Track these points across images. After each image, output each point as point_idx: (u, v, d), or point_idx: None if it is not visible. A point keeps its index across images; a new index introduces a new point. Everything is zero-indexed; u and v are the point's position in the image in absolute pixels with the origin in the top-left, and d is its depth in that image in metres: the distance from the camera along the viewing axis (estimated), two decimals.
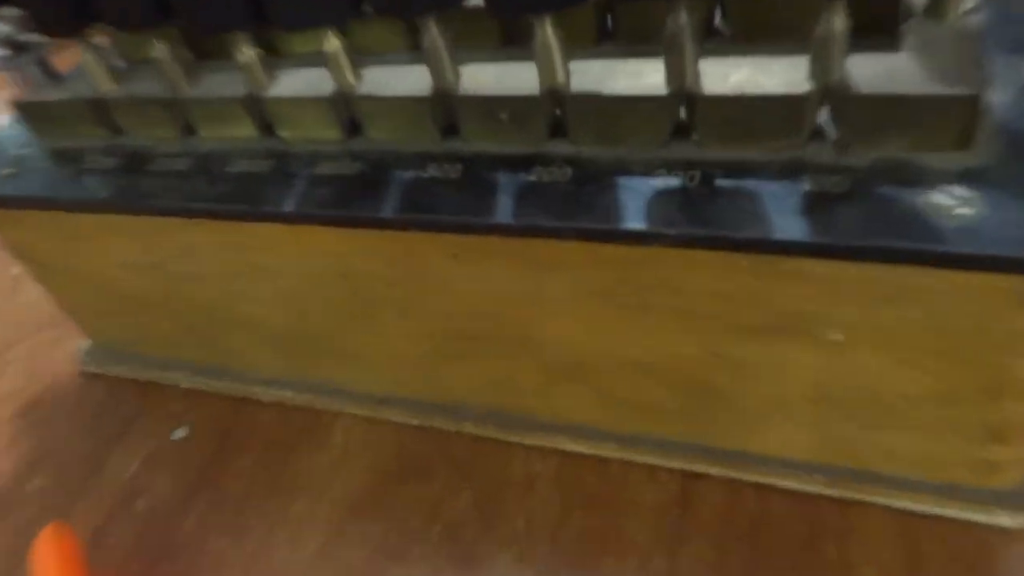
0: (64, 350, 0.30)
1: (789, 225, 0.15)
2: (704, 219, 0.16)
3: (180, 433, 0.26)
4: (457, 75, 0.18)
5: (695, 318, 0.18)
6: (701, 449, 0.21)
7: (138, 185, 0.21)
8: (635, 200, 0.17)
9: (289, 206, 0.19)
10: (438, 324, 0.21)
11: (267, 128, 0.21)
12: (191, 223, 0.21)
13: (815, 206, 0.15)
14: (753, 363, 0.18)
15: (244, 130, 0.21)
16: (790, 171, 0.16)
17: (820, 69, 0.15)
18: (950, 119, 0.15)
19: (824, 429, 0.19)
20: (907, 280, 0.15)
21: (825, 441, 0.19)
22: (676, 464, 0.21)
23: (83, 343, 0.29)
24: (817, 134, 0.16)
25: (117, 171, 0.22)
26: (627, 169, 0.17)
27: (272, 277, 0.22)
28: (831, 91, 0.15)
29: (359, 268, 0.20)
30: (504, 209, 0.17)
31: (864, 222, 0.15)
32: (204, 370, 0.26)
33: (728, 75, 0.16)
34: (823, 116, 0.16)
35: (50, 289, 0.27)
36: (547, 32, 0.17)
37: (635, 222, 0.16)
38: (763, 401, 0.19)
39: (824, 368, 0.17)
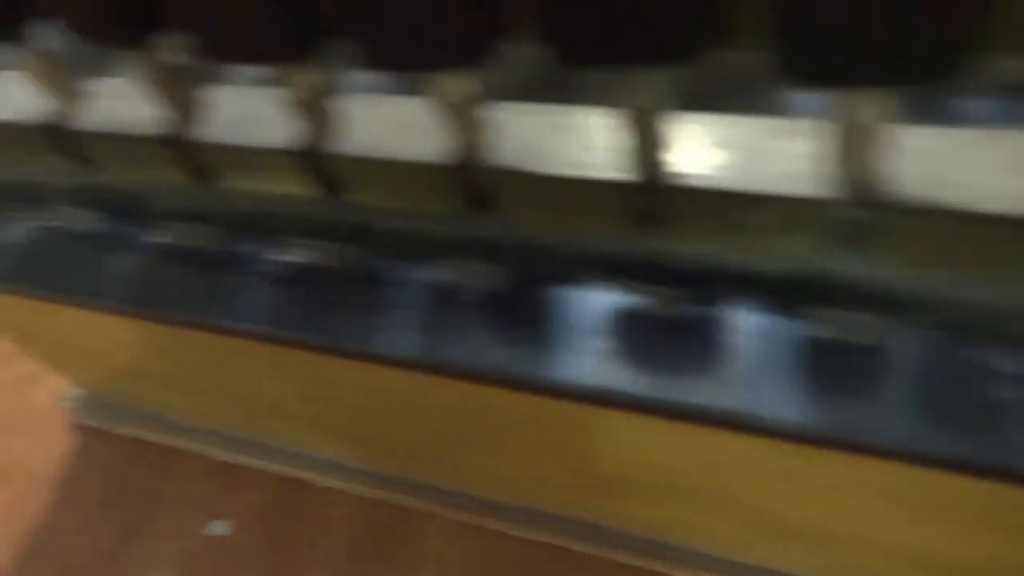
0: (46, 390, 0.23)
1: None
2: None
3: (218, 528, 0.20)
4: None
5: None
6: None
7: (155, 279, 0.14)
8: None
9: (393, 347, 0.12)
10: (600, 466, 0.14)
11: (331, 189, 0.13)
12: (249, 345, 0.14)
13: None
14: None
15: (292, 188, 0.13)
16: None
17: None
18: None
19: None
20: None
21: None
22: None
23: (72, 390, 0.23)
24: None
25: (86, 237, 0.15)
26: None
27: (352, 399, 0.15)
28: None
29: (496, 405, 0.14)
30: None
31: None
32: (241, 442, 0.20)
33: None
34: None
35: (26, 348, 0.20)
36: None
37: None
38: None
39: None
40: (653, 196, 0.11)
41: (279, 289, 0.13)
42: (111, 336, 0.16)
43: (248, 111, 0.13)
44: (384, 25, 0.10)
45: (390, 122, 0.13)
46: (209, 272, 0.14)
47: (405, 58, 0.10)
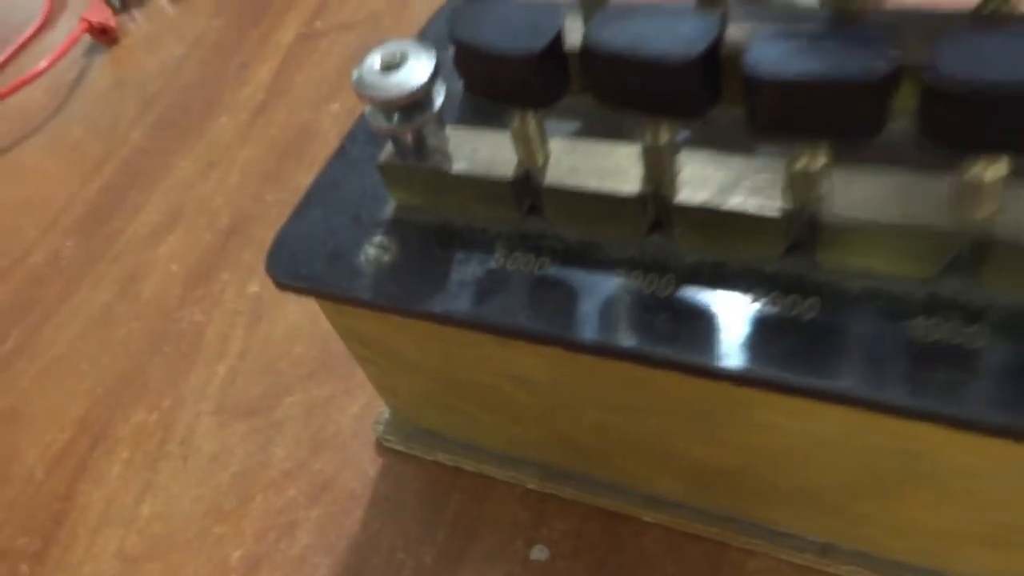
0: (351, 414, 0.25)
1: None
2: None
3: (539, 554, 0.21)
4: None
5: None
6: None
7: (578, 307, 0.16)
8: None
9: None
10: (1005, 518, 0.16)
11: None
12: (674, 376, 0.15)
13: None
14: None
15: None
16: None
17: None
18: None
19: None
20: None
21: None
22: None
23: (381, 410, 0.24)
24: None
25: (541, 283, 0.16)
26: None
27: (779, 436, 0.16)
28: None
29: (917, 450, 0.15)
30: None
31: None
32: (559, 475, 0.22)
33: None
34: None
35: (368, 367, 0.22)
36: None
37: None
38: None
39: None
40: None
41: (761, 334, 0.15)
42: (506, 367, 0.18)
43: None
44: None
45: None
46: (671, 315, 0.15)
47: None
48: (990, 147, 0.12)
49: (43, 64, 0.41)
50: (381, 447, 0.24)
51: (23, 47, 0.45)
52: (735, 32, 0.16)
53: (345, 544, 0.23)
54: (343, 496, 0.23)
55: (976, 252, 0.14)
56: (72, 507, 0.25)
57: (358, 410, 0.25)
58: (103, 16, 0.43)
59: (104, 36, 0.43)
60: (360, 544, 0.23)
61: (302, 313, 0.28)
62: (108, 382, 0.28)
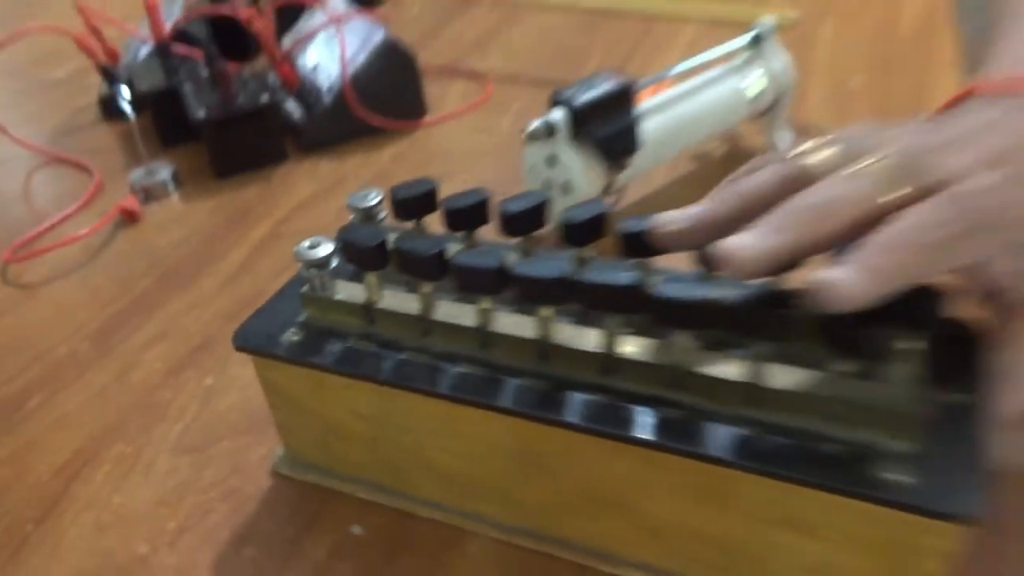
0: (258, 454, 0.40)
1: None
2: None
3: (356, 530, 0.36)
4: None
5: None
6: None
7: (383, 364, 0.33)
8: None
9: (494, 400, 0.30)
10: (576, 493, 0.32)
11: (484, 345, 0.32)
12: (421, 399, 0.32)
13: None
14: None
15: (468, 345, 0.32)
16: None
17: None
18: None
19: None
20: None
21: None
22: None
23: (278, 450, 0.40)
24: None
25: (371, 353, 0.33)
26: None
27: (466, 442, 0.33)
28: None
29: (535, 449, 0.31)
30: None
31: None
32: (378, 487, 0.37)
33: None
34: None
35: (276, 411, 0.38)
36: None
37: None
38: None
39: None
40: None
41: None
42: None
43: None
44: None
45: None
46: None
47: None
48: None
49: (84, 231, 0.59)
50: (274, 473, 0.39)
51: (68, 218, 0.63)
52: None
53: (239, 522, 0.37)
54: (243, 498, 0.38)
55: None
56: (66, 496, 0.39)
57: (265, 451, 0.40)
58: (133, 204, 0.62)
59: (130, 217, 0.62)
60: (248, 524, 0.37)
61: (240, 398, 0.44)
62: (100, 428, 0.43)
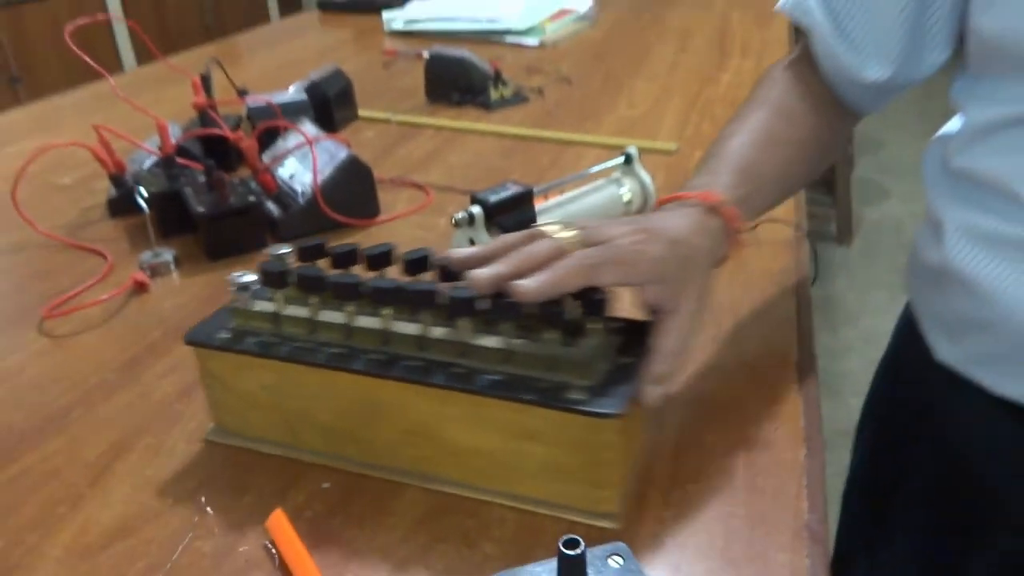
0: (191, 428, 0.57)
1: None
2: None
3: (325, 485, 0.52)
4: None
5: None
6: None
7: (282, 349, 0.50)
8: None
9: (352, 366, 0.47)
10: (403, 430, 0.48)
11: (348, 336, 0.50)
12: (306, 370, 0.49)
13: None
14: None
15: (338, 336, 0.50)
16: None
17: None
18: None
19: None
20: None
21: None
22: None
23: (209, 425, 0.56)
24: None
25: (275, 343, 0.51)
26: None
27: (335, 401, 0.49)
28: None
29: (376, 399, 0.48)
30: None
31: None
32: (284, 445, 0.53)
33: None
34: None
35: (208, 391, 0.54)
36: None
37: None
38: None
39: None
40: None
41: None
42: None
43: None
44: None
45: None
46: None
47: None
48: None
49: (103, 297, 0.77)
50: (207, 442, 0.55)
51: (89, 288, 0.80)
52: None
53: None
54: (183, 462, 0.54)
55: None
56: (108, 470, 0.56)
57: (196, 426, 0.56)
58: (143, 278, 0.80)
59: (141, 288, 0.80)
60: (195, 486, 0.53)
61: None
62: (131, 428, 0.60)
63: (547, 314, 0.46)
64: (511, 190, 0.72)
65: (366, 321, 0.50)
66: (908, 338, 0.68)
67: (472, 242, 0.71)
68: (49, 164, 1.01)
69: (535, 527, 0.47)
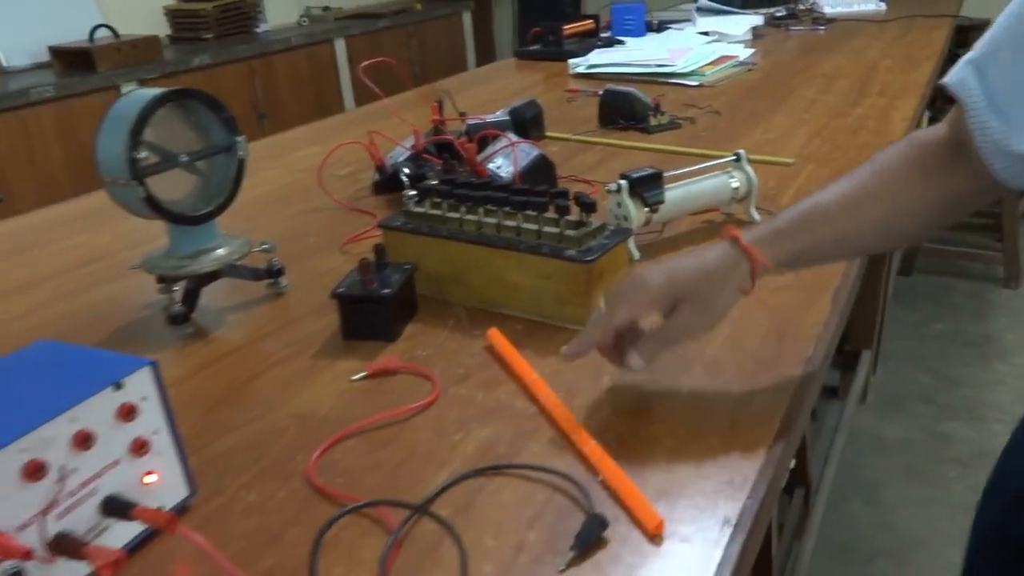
0: None
1: None
2: None
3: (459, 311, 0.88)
4: None
5: None
6: None
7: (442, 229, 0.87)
8: None
9: (461, 238, 0.84)
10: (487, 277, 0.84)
11: (461, 226, 0.87)
12: (440, 241, 0.86)
13: None
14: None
15: (454, 226, 0.87)
16: None
17: None
18: None
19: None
20: None
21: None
22: None
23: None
24: None
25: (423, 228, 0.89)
26: None
27: (450, 258, 0.86)
28: None
29: (473, 259, 0.84)
30: None
31: None
32: (438, 293, 0.90)
33: None
34: None
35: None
36: None
37: None
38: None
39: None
40: None
41: None
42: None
43: None
44: None
45: None
46: None
47: None
48: None
49: (374, 236, 1.18)
50: None
51: (367, 231, 1.22)
52: None
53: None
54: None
55: None
56: (258, 375, 0.94)
57: None
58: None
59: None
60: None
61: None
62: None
63: (559, 211, 0.86)
64: (648, 171, 1.05)
65: (469, 216, 0.91)
66: None
67: (619, 205, 1.04)
68: (330, 162, 1.47)
69: (550, 330, 0.85)
